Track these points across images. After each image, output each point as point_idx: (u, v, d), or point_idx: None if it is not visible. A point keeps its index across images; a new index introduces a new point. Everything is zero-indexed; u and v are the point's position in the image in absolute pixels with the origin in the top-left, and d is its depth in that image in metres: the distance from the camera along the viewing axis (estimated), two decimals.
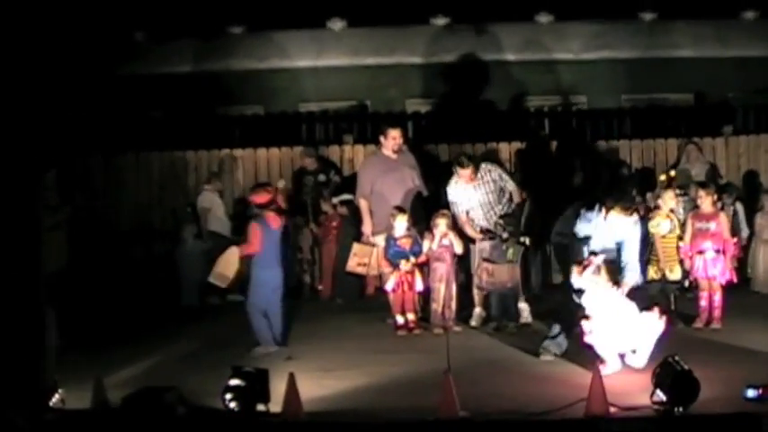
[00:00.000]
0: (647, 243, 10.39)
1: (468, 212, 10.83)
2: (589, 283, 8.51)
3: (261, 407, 7.20)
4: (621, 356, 8.29)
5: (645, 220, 11.00)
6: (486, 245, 10.68)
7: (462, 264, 11.51)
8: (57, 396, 7.53)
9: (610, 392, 6.99)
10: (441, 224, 10.64)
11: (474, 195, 10.81)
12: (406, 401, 7.51)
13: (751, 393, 6.72)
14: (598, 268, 8.55)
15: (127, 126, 15.98)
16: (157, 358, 9.59)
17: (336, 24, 18.34)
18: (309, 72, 18.09)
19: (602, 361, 8.01)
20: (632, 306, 8.50)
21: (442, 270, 10.68)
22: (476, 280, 10.80)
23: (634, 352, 8.27)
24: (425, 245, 10.72)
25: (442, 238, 10.63)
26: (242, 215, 13.25)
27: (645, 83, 17.88)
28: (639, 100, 17.53)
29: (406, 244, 10.69)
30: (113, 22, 17.20)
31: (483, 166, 11.00)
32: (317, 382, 8.10)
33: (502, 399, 7.52)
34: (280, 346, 9.75)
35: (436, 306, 10.66)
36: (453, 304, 10.71)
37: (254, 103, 17.64)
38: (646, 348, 8.21)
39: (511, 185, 11.05)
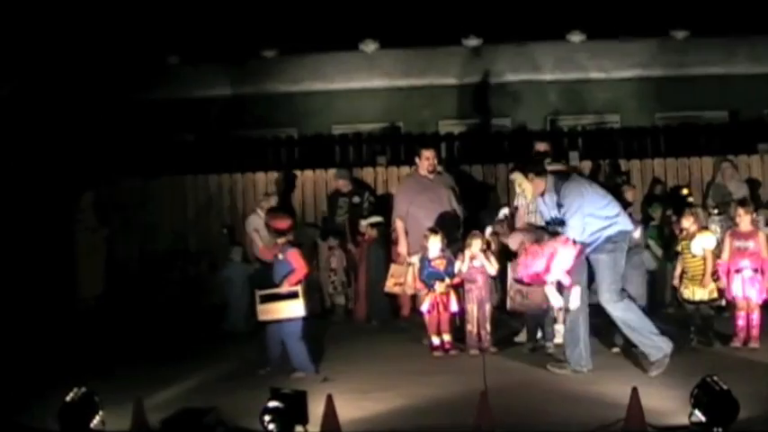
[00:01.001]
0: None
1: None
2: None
3: (299, 428, 7.22)
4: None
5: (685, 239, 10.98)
6: (518, 266, 10.61)
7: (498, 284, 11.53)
8: (97, 418, 7.60)
9: (648, 412, 6.96)
10: (472, 245, 10.65)
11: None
12: (444, 422, 7.51)
13: None
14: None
15: (162, 149, 16.09)
16: (196, 380, 9.60)
17: (369, 46, 18.45)
18: (342, 94, 18.20)
19: None
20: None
21: (475, 291, 10.65)
22: (509, 302, 10.64)
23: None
24: (457, 266, 10.72)
25: (472, 259, 10.63)
26: None
27: (678, 101, 17.85)
28: (673, 118, 17.48)
29: (440, 265, 10.68)
30: (147, 46, 17.41)
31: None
32: (355, 403, 8.10)
33: (539, 418, 7.51)
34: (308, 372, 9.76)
35: (471, 327, 10.64)
36: (488, 325, 10.67)
37: (287, 126, 17.77)
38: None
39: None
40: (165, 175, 15.44)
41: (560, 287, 9.37)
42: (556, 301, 9.57)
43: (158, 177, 15.38)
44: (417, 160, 11.73)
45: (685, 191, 13.62)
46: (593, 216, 9.26)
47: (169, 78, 18.02)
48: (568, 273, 9.22)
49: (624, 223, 9.49)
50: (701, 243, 10.54)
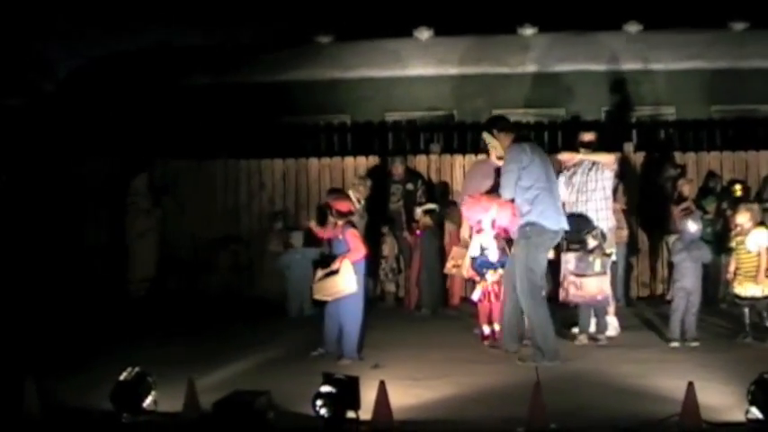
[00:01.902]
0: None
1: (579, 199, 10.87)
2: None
3: (351, 414, 7.24)
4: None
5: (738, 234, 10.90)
6: (571, 257, 10.55)
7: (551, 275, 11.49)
8: (150, 398, 7.67)
9: (703, 408, 6.90)
10: None
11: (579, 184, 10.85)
12: (496, 412, 7.48)
13: None
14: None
15: (218, 134, 16.18)
16: (249, 363, 9.67)
17: (423, 34, 18.45)
18: (396, 81, 18.20)
19: None
20: None
21: None
22: (562, 293, 10.67)
23: None
24: None
25: None
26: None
27: (735, 93, 17.65)
28: (729, 111, 17.29)
29: (492, 255, 10.65)
30: (214, 31, 17.53)
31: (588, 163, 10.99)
32: (406, 390, 8.10)
33: (592, 411, 7.45)
34: (355, 358, 9.78)
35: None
36: None
37: (340, 113, 17.78)
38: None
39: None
40: (220, 158, 15.49)
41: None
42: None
43: (212, 160, 15.44)
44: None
45: (737, 187, 13.43)
46: (521, 189, 9.59)
47: (225, 64, 18.12)
48: (506, 231, 10.04)
49: (548, 221, 9.61)
50: (756, 239, 10.43)
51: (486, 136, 10.33)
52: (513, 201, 9.66)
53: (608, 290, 10.52)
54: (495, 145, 10.14)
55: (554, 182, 10.02)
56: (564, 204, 10.54)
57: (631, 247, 13.78)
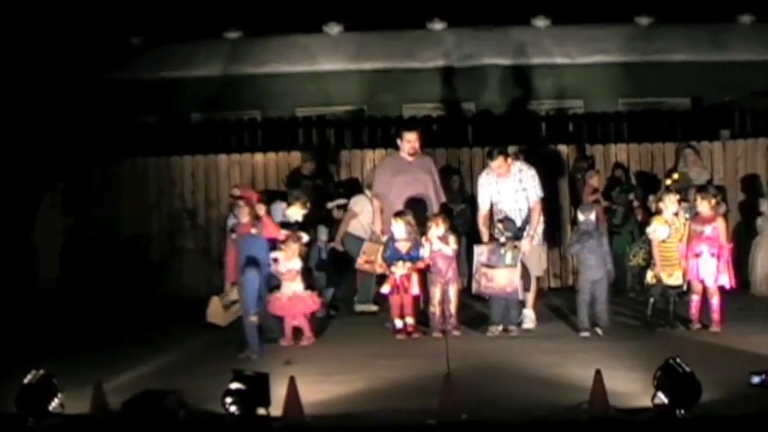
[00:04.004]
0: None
1: (494, 205, 10.91)
2: None
3: (261, 411, 7.16)
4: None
5: (645, 225, 11.11)
6: (484, 249, 10.60)
7: (464, 268, 11.54)
8: (56, 400, 7.49)
9: (612, 395, 6.96)
10: (431, 228, 10.63)
11: (503, 189, 10.85)
12: (407, 405, 7.45)
13: (756, 380, 6.70)
14: None
15: (124, 132, 15.90)
16: (159, 363, 9.51)
17: (333, 29, 18.39)
18: (306, 77, 18.11)
19: None
20: None
21: (438, 274, 10.63)
22: (474, 285, 10.69)
23: None
24: (422, 250, 10.68)
25: (433, 242, 10.59)
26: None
27: (642, 87, 17.93)
28: (636, 104, 17.54)
29: (403, 247, 10.63)
30: (110, 27, 17.21)
31: (518, 163, 11.03)
32: (317, 386, 8.03)
33: (503, 402, 7.47)
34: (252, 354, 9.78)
35: (434, 310, 10.62)
36: (452, 308, 10.65)
37: (251, 109, 17.63)
38: None
39: (532, 193, 10.88)
40: (128, 157, 15.23)
41: None
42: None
43: (120, 160, 15.18)
44: (399, 142, 11.65)
45: (676, 176, 13.64)
46: None
47: (132, 59, 17.85)
48: None
49: None
50: (653, 229, 10.62)
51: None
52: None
53: (518, 282, 10.48)
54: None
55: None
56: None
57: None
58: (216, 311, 10.31)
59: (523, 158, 12.68)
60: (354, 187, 14.26)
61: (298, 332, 10.50)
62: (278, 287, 10.46)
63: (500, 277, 10.40)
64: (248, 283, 9.79)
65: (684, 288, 10.76)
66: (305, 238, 10.83)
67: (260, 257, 9.91)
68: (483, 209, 10.97)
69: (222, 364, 8.65)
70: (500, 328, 10.62)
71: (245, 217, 10.01)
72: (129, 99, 16.98)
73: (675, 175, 13.52)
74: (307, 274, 10.99)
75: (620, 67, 18.14)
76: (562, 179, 14.82)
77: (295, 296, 10.46)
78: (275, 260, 10.33)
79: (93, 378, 7.59)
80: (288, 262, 10.42)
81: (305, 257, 10.91)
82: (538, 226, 10.83)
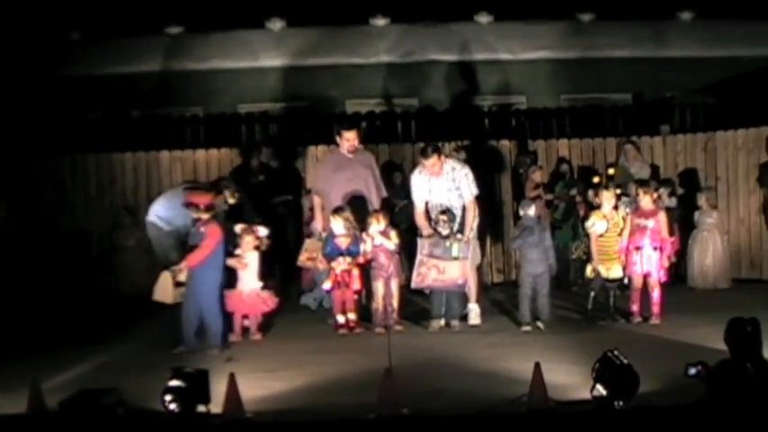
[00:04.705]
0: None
1: (427, 203, 10.86)
2: None
3: (201, 408, 7.11)
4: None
5: (585, 219, 11.21)
6: (426, 242, 10.56)
7: (406, 262, 11.53)
8: None
9: (551, 387, 7.00)
10: (372, 224, 10.63)
11: (435, 188, 10.80)
12: (347, 400, 7.44)
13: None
14: None
15: (64, 129, 15.69)
16: (98, 362, 9.39)
17: (275, 25, 18.30)
18: (249, 73, 18.04)
19: None
20: None
21: (379, 269, 10.64)
22: (416, 279, 10.61)
23: None
24: (362, 246, 10.67)
25: (374, 237, 10.59)
26: None
27: (583, 83, 18.08)
28: (578, 99, 17.69)
29: (343, 243, 10.62)
30: (49, 22, 16.99)
31: (450, 162, 11.00)
32: (257, 382, 7.99)
33: (443, 395, 7.49)
34: (221, 347, 9.70)
35: (376, 305, 10.63)
36: (394, 303, 10.66)
37: (193, 105, 17.49)
38: None
39: (466, 192, 10.79)
40: (68, 154, 15.02)
41: None
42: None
43: (61, 157, 14.97)
44: (338, 139, 11.61)
45: (611, 171, 13.78)
46: None
47: (71, 55, 17.64)
48: None
49: None
50: (592, 223, 10.73)
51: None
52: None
53: (469, 275, 10.56)
54: None
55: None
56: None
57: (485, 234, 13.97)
58: (165, 288, 9.95)
59: (464, 154, 12.74)
60: (298, 183, 14.25)
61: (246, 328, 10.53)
62: (235, 283, 10.46)
63: (452, 269, 10.39)
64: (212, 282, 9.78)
65: (626, 281, 10.86)
66: (262, 231, 10.76)
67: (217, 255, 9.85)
68: (419, 207, 10.93)
69: (162, 362, 8.58)
70: (441, 322, 10.65)
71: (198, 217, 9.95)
72: (69, 95, 16.77)
73: (611, 170, 13.69)
74: (268, 271, 10.98)
75: (562, 63, 18.31)
76: (505, 174, 14.91)
77: (252, 294, 10.46)
78: (231, 254, 10.30)
79: (30, 378, 7.47)
80: (244, 254, 10.46)
81: (265, 251, 10.84)
82: (473, 223, 10.78)
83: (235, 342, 10.21)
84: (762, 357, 6.36)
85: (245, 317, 10.56)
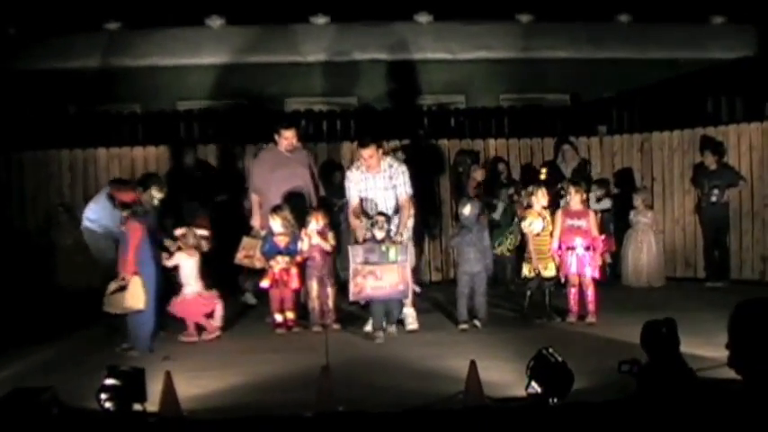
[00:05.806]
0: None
1: (363, 200, 10.66)
2: None
3: (137, 406, 7.07)
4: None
5: (521, 219, 11.32)
6: (360, 249, 10.21)
7: (341, 263, 11.54)
8: None
9: (487, 385, 7.06)
10: (309, 222, 10.63)
11: (371, 185, 10.66)
12: (284, 398, 7.44)
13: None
14: None
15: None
16: (33, 360, 9.33)
17: (215, 22, 18.22)
18: (188, 70, 17.96)
19: None
20: None
21: (315, 269, 10.63)
22: (353, 290, 10.18)
23: None
24: (301, 244, 10.65)
25: (312, 237, 10.58)
26: None
27: (522, 83, 18.24)
28: (517, 99, 17.83)
29: (281, 242, 10.62)
30: None
31: (388, 159, 10.87)
32: (194, 381, 7.97)
33: (379, 393, 7.51)
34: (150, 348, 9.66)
35: (313, 304, 10.62)
36: (330, 302, 10.66)
37: (132, 101, 17.35)
38: None
39: (401, 190, 10.62)
40: (3, 151, 14.81)
41: None
42: None
43: None
44: (276, 137, 11.58)
45: (544, 170, 13.91)
46: None
47: (8, 50, 17.40)
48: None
49: None
50: (529, 222, 10.84)
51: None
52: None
53: (409, 278, 10.31)
54: None
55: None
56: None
57: (423, 233, 14.05)
58: (136, 294, 9.57)
59: (402, 154, 12.75)
60: (236, 181, 14.18)
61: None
62: (179, 288, 10.44)
63: (390, 275, 10.08)
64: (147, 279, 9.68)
65: (563, 280, 10.97)
66: (201, 232, 10.71)
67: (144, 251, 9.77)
68: (353, 203, 10.72)
69: (99, 361, 8.52)
70: (382, 333, 10.19)
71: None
72: (4, 91, 16.52)
73: (543, 170, 13.85)
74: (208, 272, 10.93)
75: (502, 64, 18.45)
76: (444, 174, 15.00)
77: (194, 297, 10.43)
78: (166, 255, 10.25)
79: None
80: (182, 257, 10.42)
81: (206, 253, 10.77)
82: (408, 222, 10.61)
83: (190, 342, 10.23)
84: (680, 356, 6.44)
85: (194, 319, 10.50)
